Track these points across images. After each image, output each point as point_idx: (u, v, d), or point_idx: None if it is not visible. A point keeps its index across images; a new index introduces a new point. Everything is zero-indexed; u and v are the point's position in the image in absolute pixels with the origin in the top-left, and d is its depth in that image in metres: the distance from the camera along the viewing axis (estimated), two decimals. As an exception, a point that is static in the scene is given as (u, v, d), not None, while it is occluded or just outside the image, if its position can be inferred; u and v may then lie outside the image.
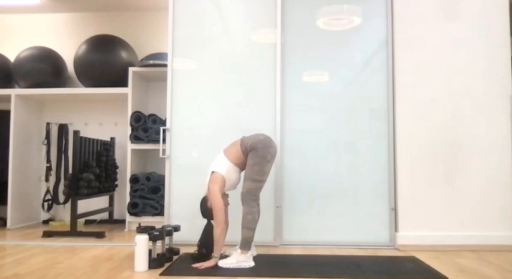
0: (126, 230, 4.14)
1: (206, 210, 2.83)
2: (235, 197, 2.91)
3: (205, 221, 2.88)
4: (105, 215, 4.60)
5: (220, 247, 2.71)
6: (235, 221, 2.95)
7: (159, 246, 2.86)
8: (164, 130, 3.62)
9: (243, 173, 2.90)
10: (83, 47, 4.46)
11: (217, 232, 2.68)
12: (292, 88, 3.56)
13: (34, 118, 4.76)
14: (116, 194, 4.67)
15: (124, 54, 4.47)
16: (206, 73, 3.62)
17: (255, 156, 2.78)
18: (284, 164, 3.51)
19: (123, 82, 4.36)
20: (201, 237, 2.84)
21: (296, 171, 3.51)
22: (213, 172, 2.82)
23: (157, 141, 3.96)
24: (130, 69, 4.31)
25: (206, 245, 2.79)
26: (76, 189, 3.84)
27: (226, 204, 2.95)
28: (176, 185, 3.54)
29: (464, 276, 2.51)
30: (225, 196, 2.94)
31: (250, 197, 2.78)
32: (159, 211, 4.04)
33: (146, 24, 4.88)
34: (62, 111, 4.88)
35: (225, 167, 2.83)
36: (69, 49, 4.83)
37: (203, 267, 2.64)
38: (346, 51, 3.57)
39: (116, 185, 4.60)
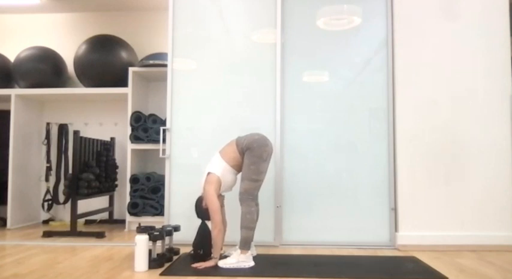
0: (126, 230, 4.14)
1: (201, 210, 2.83)
2: (234, 197, 2.91)
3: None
4: (105, 215, 4.60)
5: (219, 248, 2.71)
6: (234, 221, 2.95)
7: (159, 246, 2.86)
8: (164, 130, 3.62)
9: (239, 175, 2.90)
10: (83, 47, 4.46)
11: (214, 233, 2.68)
12: (292, 88, 3.56)
13: (34, 118, 4.76)
14: (116, 194, 4.67)
15: (124, 54, 4.47)
16: (206, 73, 3.62)
17: (251, 156, 2.78)
18: (284, 164, 3.51)
19: (123, 82, 4.36)
20: (195, 238, 2.84)
21: (296, 171, 3.51)
22: (208, 173, 2.82)
23: (157, 141, 3.96)
24: (130, 69, 4.31)
25: (202, 245, 2.79)
26: (76, 189, 3.84)
27: (221, 205, 2.95)
28: (176, 185, 3.55)
29: (464, 276, 2.51)
30: (220, 197, 2.94)
31: (248, 197, 2.78)
32: (159, 211, 4.04)
33: (146, 24, 4.88)
34: (62, 111, 4.88)
35: (220, 168, 2.83)
36: (69, 49, 4.83)
37: (203, 267, 2.64)
38: (346, 51, 3.57)
39: (116, 185, 4.59)
